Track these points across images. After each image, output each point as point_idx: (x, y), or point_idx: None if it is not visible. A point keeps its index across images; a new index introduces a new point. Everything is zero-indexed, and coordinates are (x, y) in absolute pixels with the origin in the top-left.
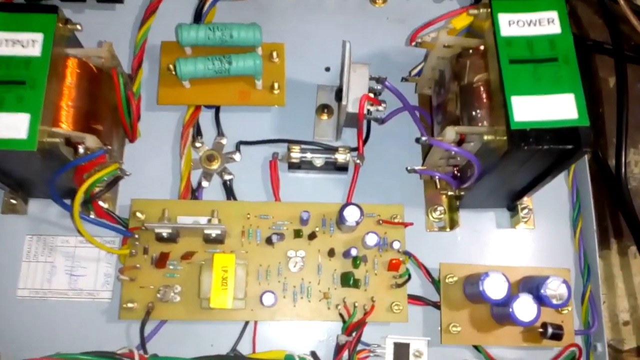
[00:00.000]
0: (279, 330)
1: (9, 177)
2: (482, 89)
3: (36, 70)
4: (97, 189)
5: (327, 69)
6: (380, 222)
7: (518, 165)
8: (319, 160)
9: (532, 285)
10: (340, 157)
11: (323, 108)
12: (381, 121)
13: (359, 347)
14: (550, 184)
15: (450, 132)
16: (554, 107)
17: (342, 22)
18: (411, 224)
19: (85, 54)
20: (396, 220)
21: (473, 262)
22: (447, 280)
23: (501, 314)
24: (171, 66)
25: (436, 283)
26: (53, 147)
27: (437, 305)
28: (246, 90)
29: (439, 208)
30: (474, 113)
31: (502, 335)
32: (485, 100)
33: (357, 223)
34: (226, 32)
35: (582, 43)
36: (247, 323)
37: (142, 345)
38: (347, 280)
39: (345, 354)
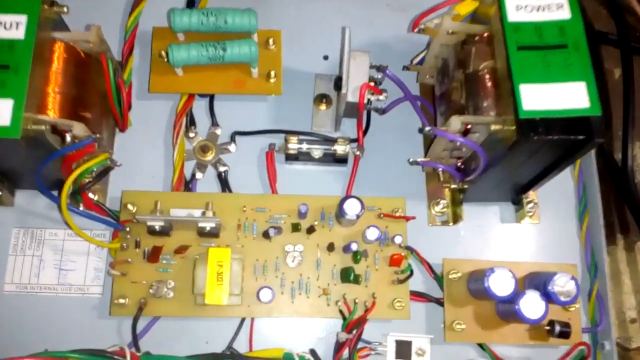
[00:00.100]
0: (276, 328)
1: None
2: (488, 76)
3: (20, 54)
4: (86, 180)
5: (326, 58)
6: (381, 215)
7: (526, 156)
8: (317, 151)
9: (538, 282)
10: (340, 149)
11: (321, 98)
12: (382, 111)
13: (360, 344)
14: (556, 177)
15: (456, 122)
16: (564, 96)
17: (341, 8)
18: (413, 217)
19: (73, 38)
20: (398, 214)
21: (477, 258)
22: (450, 276)
23: (507, 311)
24: (163, 53)
25: (439, 279)
26: (38, 135)
27: (440, 302)
28: (241, 78)
29: (442, 201)
30: (480, 102)
31: (508, 333)
32: (491, 89)
33: (358, 216)
34: (220, 18)
35: (591, 31)
36: (243, 320)
37: (134, 342)
38: (347, 275)
39: (346, 352)
